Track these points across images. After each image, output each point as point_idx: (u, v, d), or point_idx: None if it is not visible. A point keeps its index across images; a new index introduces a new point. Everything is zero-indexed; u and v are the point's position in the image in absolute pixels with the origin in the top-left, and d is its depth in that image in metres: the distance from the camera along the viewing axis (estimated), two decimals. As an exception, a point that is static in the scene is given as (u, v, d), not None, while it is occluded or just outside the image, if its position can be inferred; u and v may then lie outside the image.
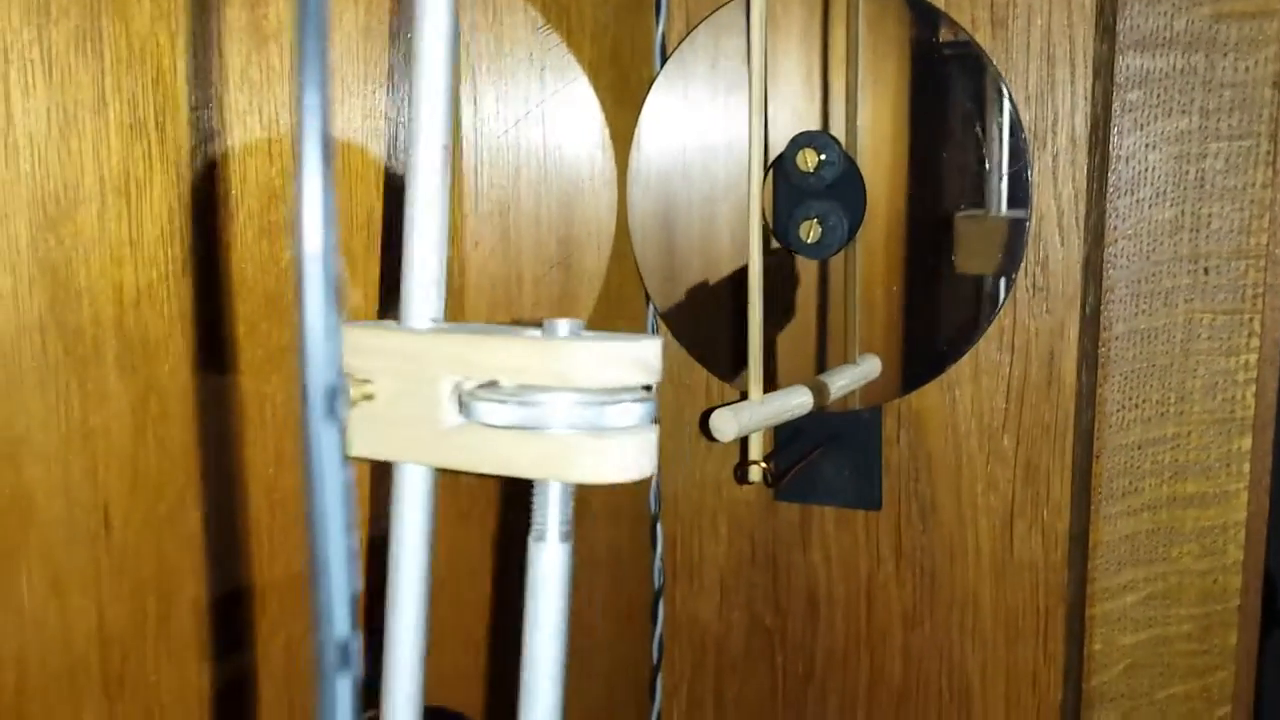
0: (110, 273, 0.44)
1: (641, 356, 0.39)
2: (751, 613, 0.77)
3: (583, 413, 0.38)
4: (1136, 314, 0.69)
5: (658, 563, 0.78)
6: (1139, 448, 0.70)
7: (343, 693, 0.29)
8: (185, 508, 0.48)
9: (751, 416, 0.64)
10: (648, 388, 0.40)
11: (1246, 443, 0.69)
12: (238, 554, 0.51)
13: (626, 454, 0.39)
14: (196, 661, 0.49)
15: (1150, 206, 0.68)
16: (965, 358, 0.68)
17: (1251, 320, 0.68)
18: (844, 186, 0.69)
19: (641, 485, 0.77)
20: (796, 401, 0.67)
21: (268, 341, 0.51)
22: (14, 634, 0.42)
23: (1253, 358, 0.68)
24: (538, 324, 0.40)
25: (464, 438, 0.40)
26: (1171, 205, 0.68)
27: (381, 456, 0.43)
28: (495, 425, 0.39)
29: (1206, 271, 0.68)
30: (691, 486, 0.77)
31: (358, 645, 0.31)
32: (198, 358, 0.47)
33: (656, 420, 0.40)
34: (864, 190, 0.68)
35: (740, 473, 0.69)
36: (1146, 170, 0.68)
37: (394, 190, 0.55)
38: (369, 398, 0.42)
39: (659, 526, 0.78)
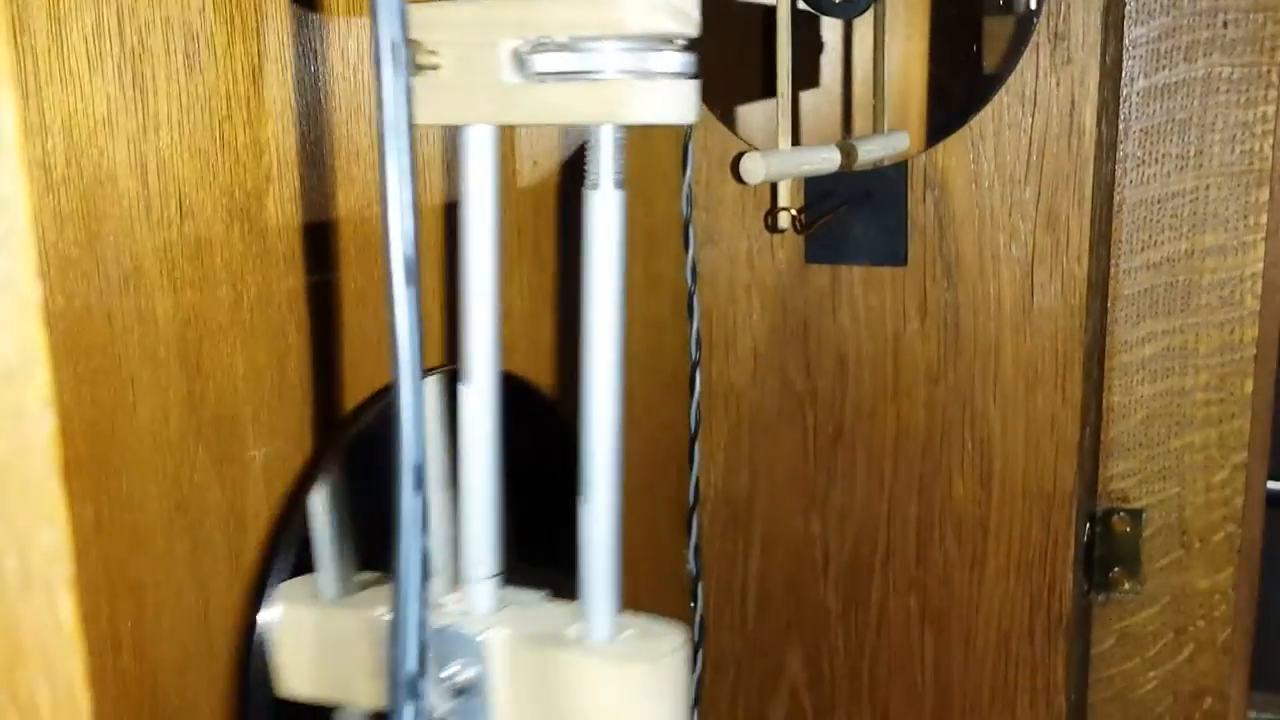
0: None
1: (683, 8, 0.42)
2: (784, 377, 0.80)
3: (630, 58, 0.42)
4: (1157, 69, 0.71)
5: (695, 334, 0.81)
6: (1158, 202, 0.73)
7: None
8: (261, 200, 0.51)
9: (779, 163, 0.67)
10: (688, 45, 0.43)
11: (1264, 194, 0.72)
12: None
13: (672, 96, 0.43)
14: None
15: (1172, -38, 0.70)
16: (987, 112, 0.70)
17: (1269, 72, 0.70)
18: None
19: (678, 259, 0.80)
20: (823, 155, 0.69)
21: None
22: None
23: (1271, 109, 0.70)
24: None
25: (523, 95, 0.44)
26: (1193, -40, 0.70)
27: (448, 121, 0.48)
28: (551, 75, 0.43)
29: (1225, 25, 0.70)
30: (725, 261, 0.80)
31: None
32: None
33: (696, 75, 0.43)
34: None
35: (770, 220, 0.71)
36: (1168, -75, 0.70)
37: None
38: (435, 68, 0.46)
39: (695, 299, 0.81)
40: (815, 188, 0.75)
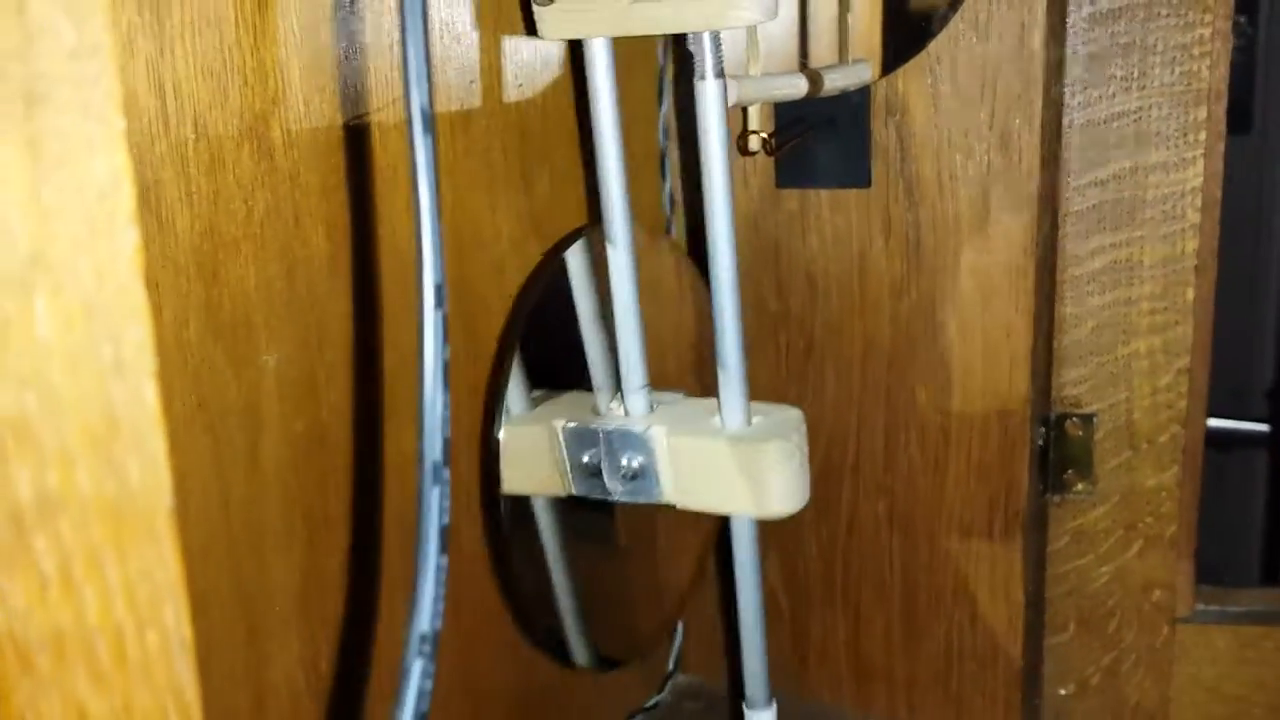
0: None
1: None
2: (758, 297, 0.85)
3: None
4: (1101, -4, 0.76)
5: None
6: (1104, 122, 0.78)
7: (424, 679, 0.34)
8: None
9: (749, 87, 0.71)
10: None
11: (1202, 113, 0.76)
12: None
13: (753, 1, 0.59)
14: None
15: (1114, -106, 0.75)
16: (943, 38, 0.75)
17: (1206, -3, 0.75)
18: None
19: (655, 190, 0.85)
20: (790, 81, 0.74)
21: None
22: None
23: (1207, 32, 0.75)
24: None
25: (637, 12, 0.60)
26: (1133, -108, 0.74)
27: (577, 35, 0.62)
28: None
29: (1165, -47, 0.75)
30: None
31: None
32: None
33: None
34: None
35: (742, 143, 0.76)
36: None
37: None
38: None
39: (672, 224, 0.86)
40: (784, 115, 0.79)
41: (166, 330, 0.53)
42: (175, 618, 0.29)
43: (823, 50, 0.80)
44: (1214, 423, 1.51)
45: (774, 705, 0.72)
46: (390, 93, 0.62)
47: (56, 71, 0.25)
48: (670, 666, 0.90)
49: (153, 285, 0.51)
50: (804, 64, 0.81)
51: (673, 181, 0.86)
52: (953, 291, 0.78)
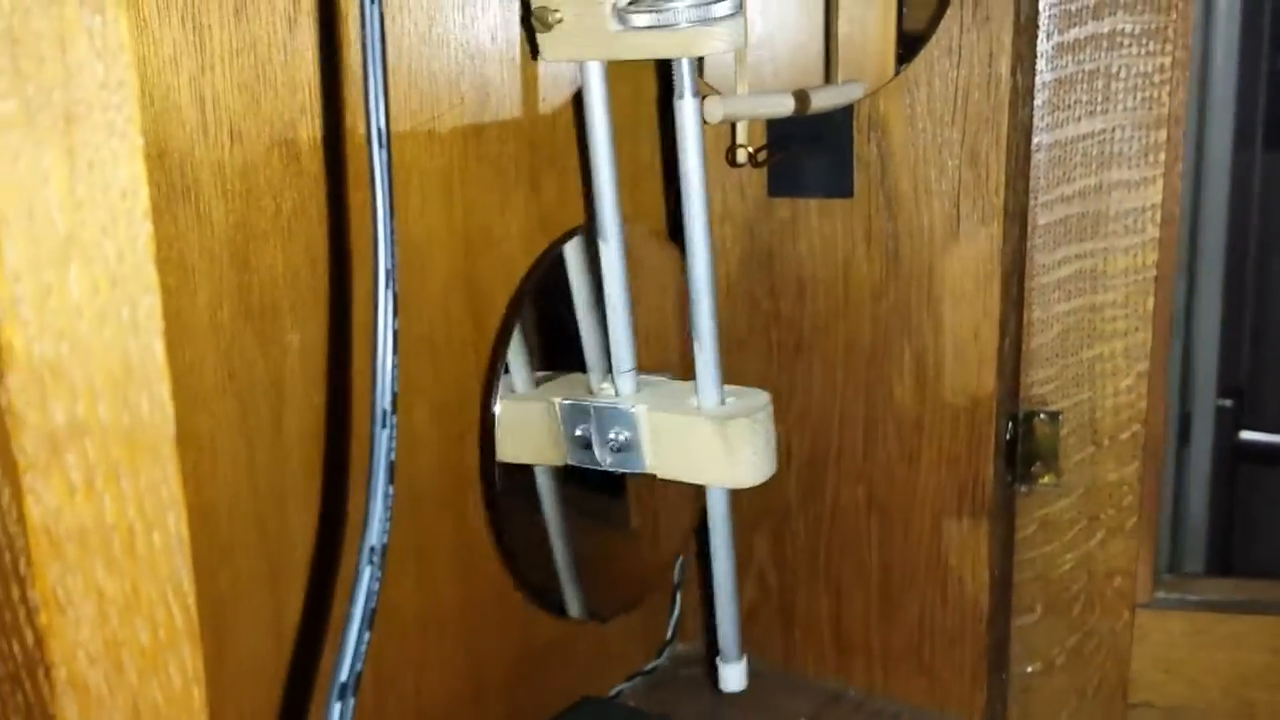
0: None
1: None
2: (752, 299, 0.92)
3: (698, 11, 0.65)
4: (1069, 26, 0.82)
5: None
6: (1071, 142, 0.84)
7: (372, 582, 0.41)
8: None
9: (735, 105, 0.79)
10: None
11: (1163, 135, 0.82)
12: None
13: (729, 32, 0.66)
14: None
15: (1081, -69, 0.81)
16: (919, 62, 0.81)
17: (1167, 28, 0.81)
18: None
19: (659, 196, 0.92)
20: (777, 100, 0.81)
21: None
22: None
23: (1168, 60, 0.81)
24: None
25: (624, 39, 0.68)
26: (1099, -71, 0.81)
27: (571, 59, 0.72)
28: (642, 27, 0.67)
29: (1129, -13, 0.81)
30: (703, 196, 0.92)
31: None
32: None
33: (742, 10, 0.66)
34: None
35: (730, 155, 0.83)
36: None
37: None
38: (560, 21, 0.69)
39: (675, 230, 0.93)
40: (777, 130, 0.87)
41: (202, 311, 0.62)
42: (176, 524, 0.37)
43: (850, 69, 0.88)
44: (1264, 436, 1.58)
45: (744, 659, 0.80)
46: (405, 105, 0.70)
47: (90, 99, 0.33)
48: (669, 634, 0.98)
49: (182, 268, 0.59)
50: (829, 78, 0.88)
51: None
52: (927, 296, 0.85)
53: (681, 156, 0.71)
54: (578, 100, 0.81)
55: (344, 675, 0.36)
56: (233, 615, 0.66)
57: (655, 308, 0.86)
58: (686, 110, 0.70)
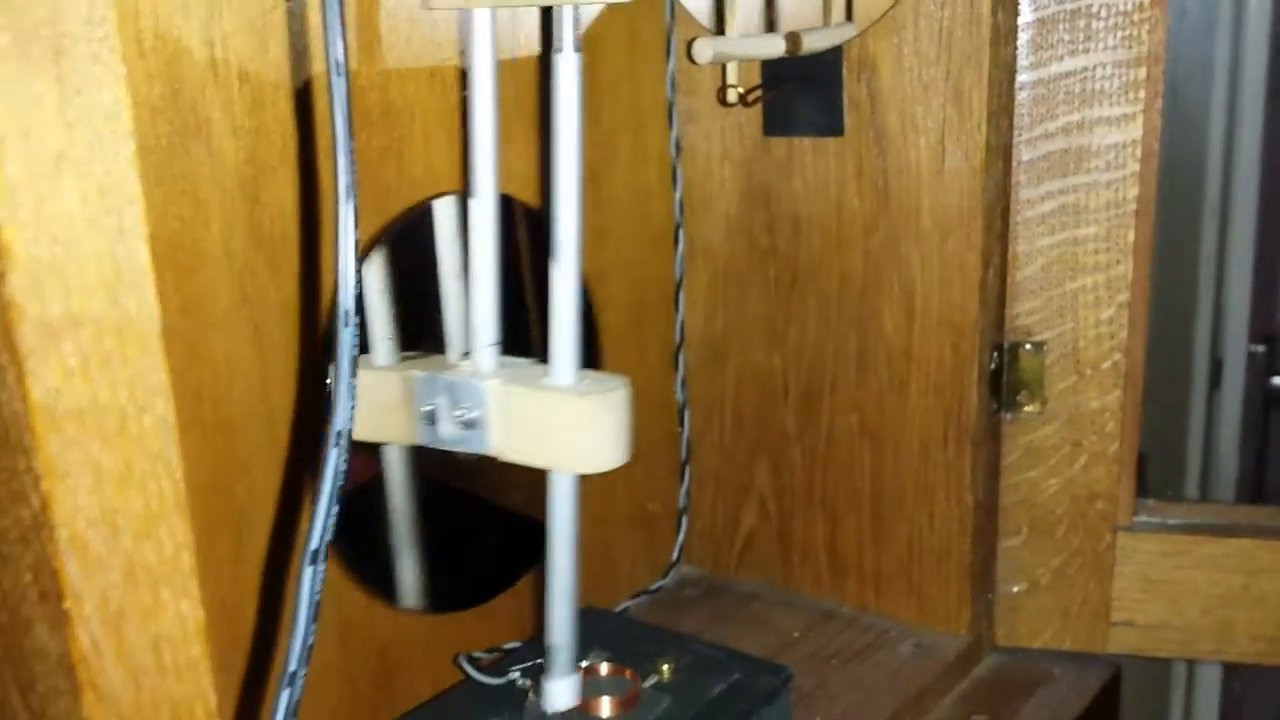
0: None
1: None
2: (750, 235, 0.96)
3: None
4: (1050, -33, 0.85)
5: (678, 200, 0.98)
6: (1053, 80, 0.87)
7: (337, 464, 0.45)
8: None
9: (726, 45, 0.82)
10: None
11: (1142, 73, 0.85)
12: None
13: None
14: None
15: (1063, -124, 0.84)
16: (906, 3, 0.85)
17: (1146, -32, 0.83)
18: None
19: (664, 136, 0.97)
20: (767, 41, 0.85)
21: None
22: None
23: (1147, 0, 0.84)
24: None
25: None
26: (1080, -127, 0.83)
27: (459, 7, 0.69)
28: None
29: (1108, -72, 0.84)
30: (702, 138, 0.96)
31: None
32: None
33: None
34: None
35: (720, 95, 0.87)
36: None
37: None
38: None
39: (678, 170, 0.97)
40: (770, 70, 0.90)
41: (215, 240, 0.67)
42: (164, 408, 0.42)
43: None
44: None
45: (575, 675, 0.73)
46: (410, 50, 0.75)
47: (76, 32, 0.38)
48: (674, 556, 1.03)
49: (195, 201, 0.64)
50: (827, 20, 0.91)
51: (678, 129, 0.97)
52: (915, 230, 0.89)
53: (554, 117, 0.64)
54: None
55: (315, 543, 0.41)
56: (250, 522, 0.72)
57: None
58: (564, 65, 0.63)
